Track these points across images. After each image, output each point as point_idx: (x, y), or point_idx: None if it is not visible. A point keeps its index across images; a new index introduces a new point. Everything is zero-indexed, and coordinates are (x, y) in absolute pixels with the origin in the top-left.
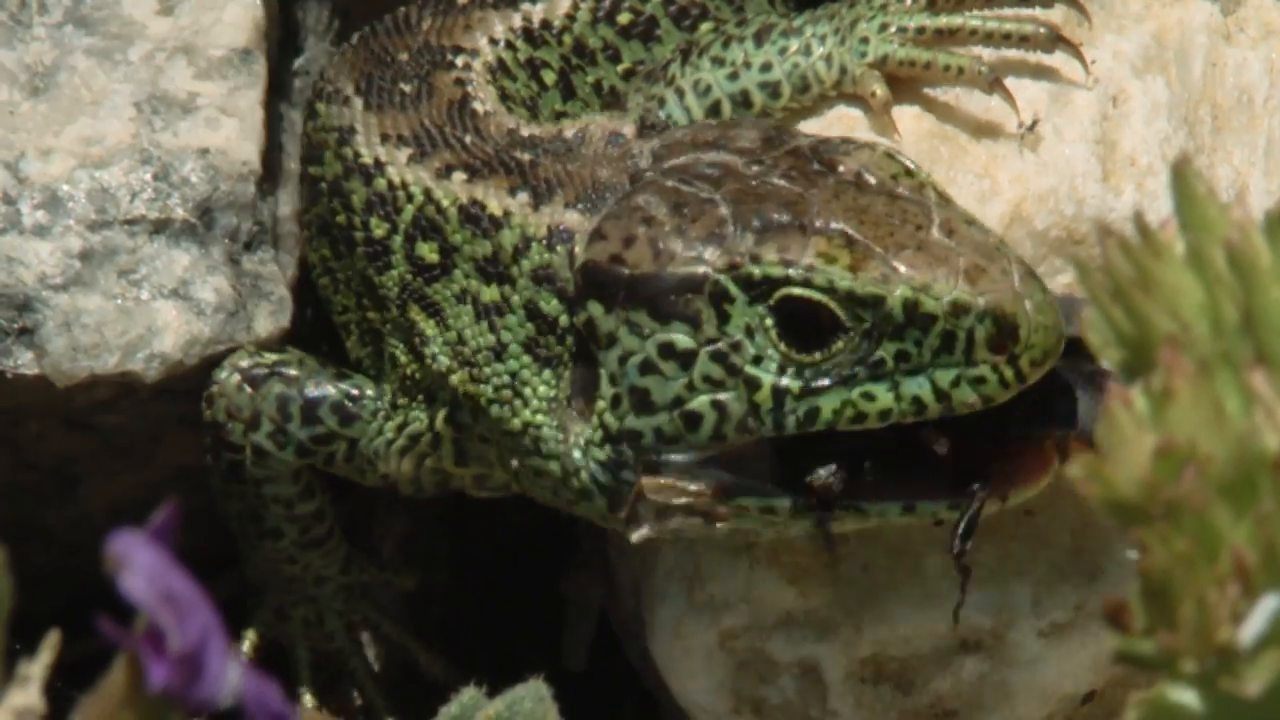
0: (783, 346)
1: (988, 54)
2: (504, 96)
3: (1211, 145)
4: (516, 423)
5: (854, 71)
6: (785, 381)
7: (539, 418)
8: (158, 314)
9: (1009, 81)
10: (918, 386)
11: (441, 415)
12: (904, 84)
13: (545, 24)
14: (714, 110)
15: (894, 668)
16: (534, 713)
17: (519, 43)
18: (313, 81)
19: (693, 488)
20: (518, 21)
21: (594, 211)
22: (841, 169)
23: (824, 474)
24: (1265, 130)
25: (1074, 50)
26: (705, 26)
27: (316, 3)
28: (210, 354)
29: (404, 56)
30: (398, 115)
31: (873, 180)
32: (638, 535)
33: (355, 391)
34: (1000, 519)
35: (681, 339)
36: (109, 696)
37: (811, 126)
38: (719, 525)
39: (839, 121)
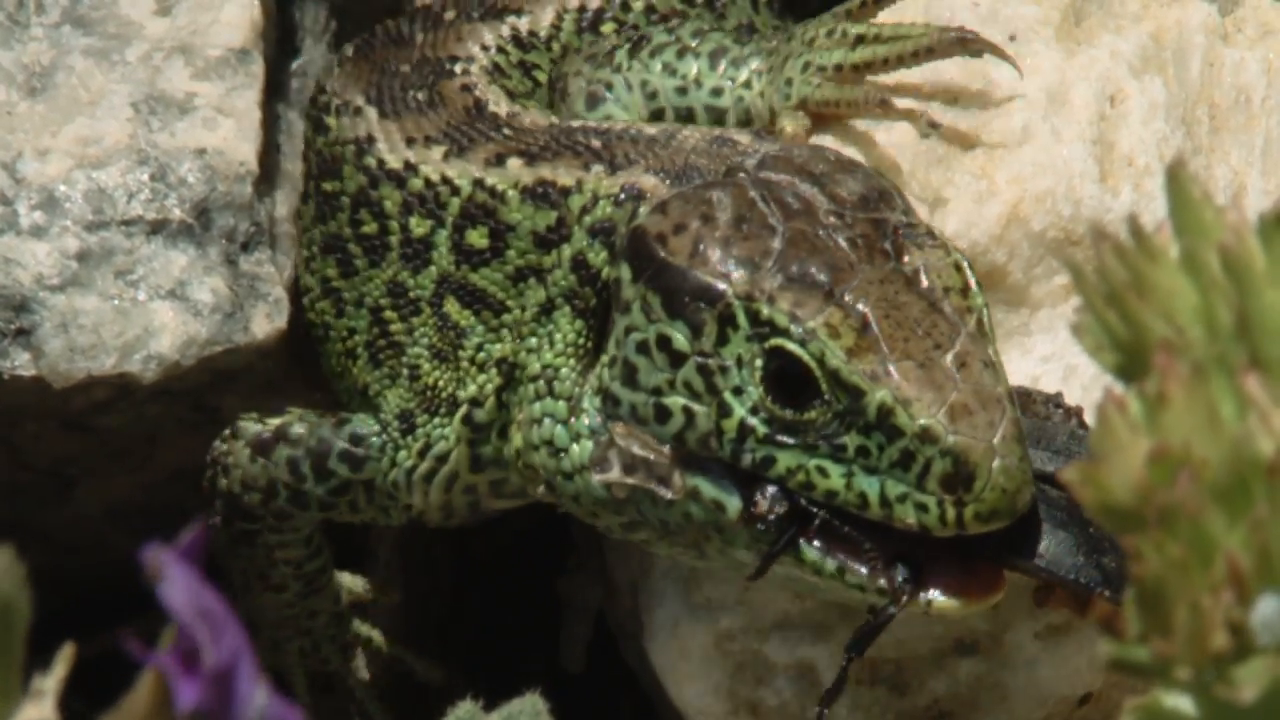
0: (762, 390)
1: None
2: (510, 95)
3: (1209, 145)
4: (537, 366)
5: (779, 111)
6: (754, 421)
7: (559, 360)
8: (155, 315)
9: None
10: (868, 484)
11: (460, 415)
12: None
13: (532, 33)
14: (658, 115)
15: (890, 669)
16: None
17: (509, 48)
18: (312, 96)
19: (661, 446)
20: (506, 31)
21: (675, 184)
22: (906, 259)
23: (769, 501)
24: (1263, 130)
25: (993, 48)
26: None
27: (314, 3)
28: (207, 355)
29: (406, 69)
30: (419, 119)
31: (925, 283)
32: (600, 477)
33: (359, 434)
34: None
35: (679, 339)
36: (131, 716)
37: None
38: (671, 497)
39: None
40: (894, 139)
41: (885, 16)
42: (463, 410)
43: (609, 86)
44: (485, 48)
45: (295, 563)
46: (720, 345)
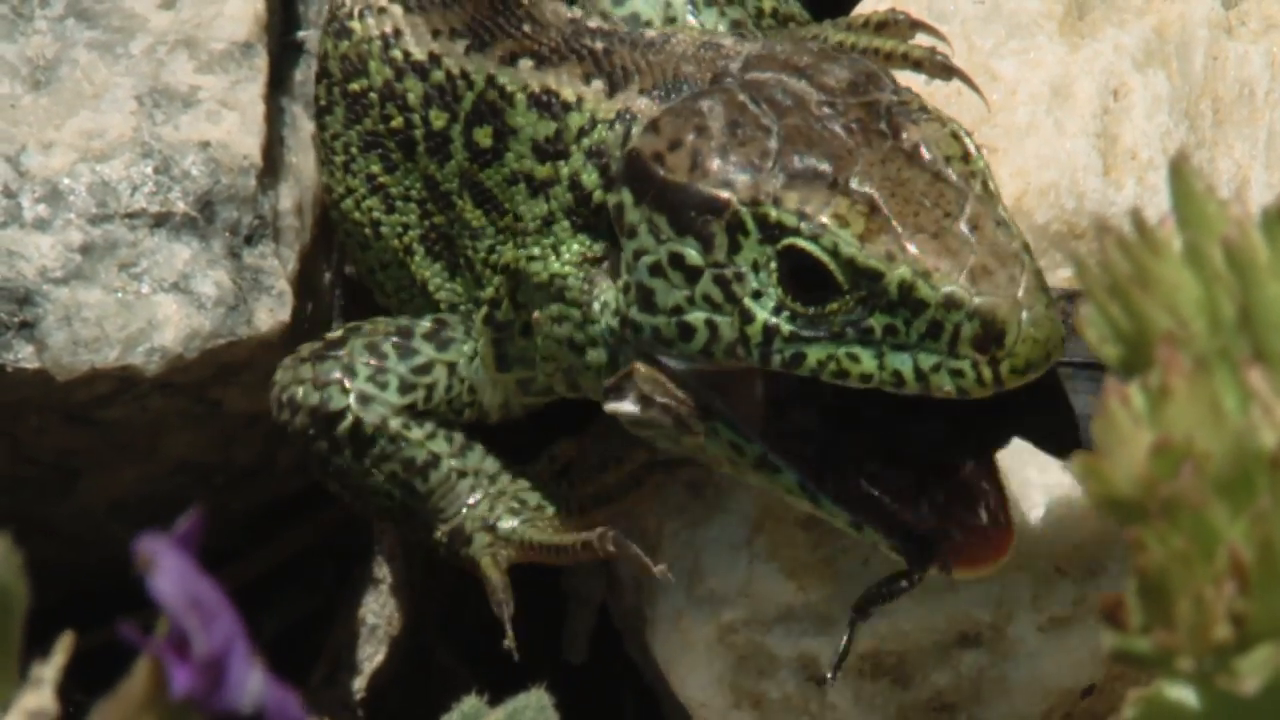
0: (781, 290)
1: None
2: None
3: (1213, 139)
4: (545, 275)
5: None
6: (777, 321)
7: (567, 269)
8: (158, 308)
9: None
10: (900, 362)
11: (482, 314)
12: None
13: None
14: (667, 15)
15: (892, 662)
16: None
17: None
18: (329, 15)
19: (679, 393)
20: None
21: (665, 101)
22: (904, 136)
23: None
24: (1266, 124)
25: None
26: None
27: None
28: (210, 347)
29: None
30: (444, 12)
31: (926, 155)
32: (612, 407)
33: (441, 319)
34: None
35: (692, 254)
36: (128, 701)
37: None
38: (688, 440)
39: None
40: None
41: (889, 3)
42: (484, 310)
43: None
44: None
45: (416, 422)
46: (733, 253)
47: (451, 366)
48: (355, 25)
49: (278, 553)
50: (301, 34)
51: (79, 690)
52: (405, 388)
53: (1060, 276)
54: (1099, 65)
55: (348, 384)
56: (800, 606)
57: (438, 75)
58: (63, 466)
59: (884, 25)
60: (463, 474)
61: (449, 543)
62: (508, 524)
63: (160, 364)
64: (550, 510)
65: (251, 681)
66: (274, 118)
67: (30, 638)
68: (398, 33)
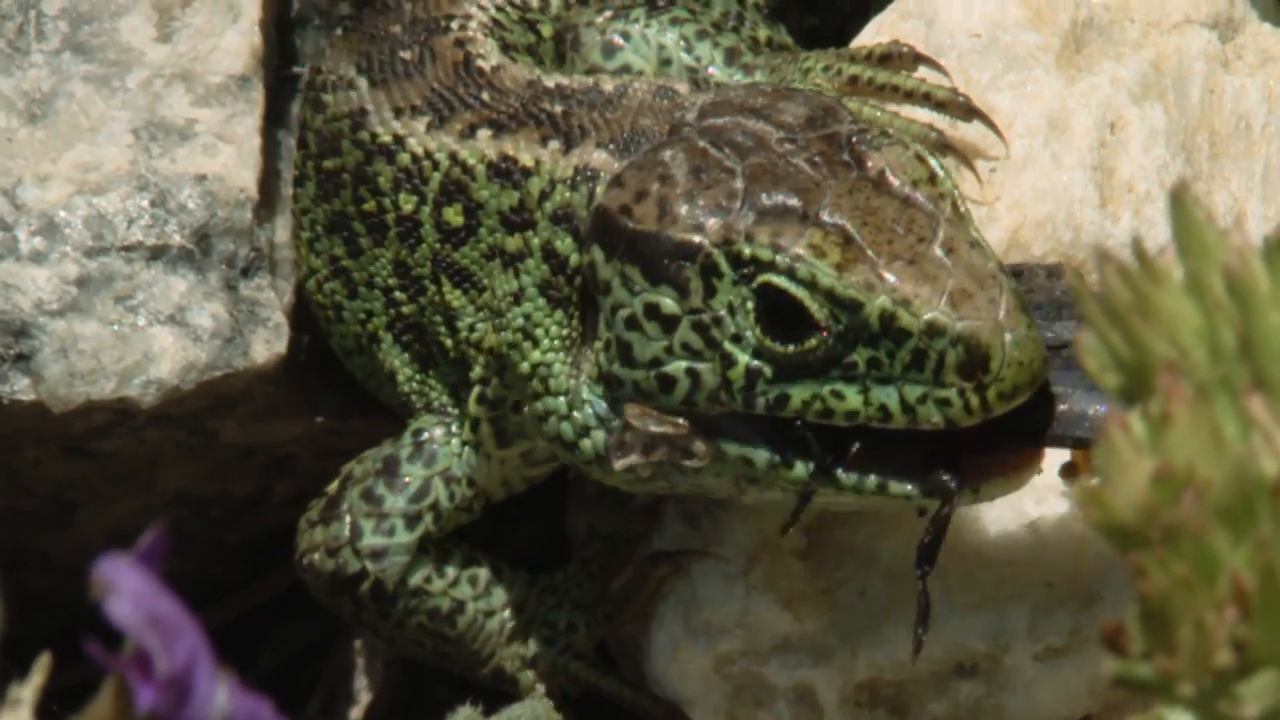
0: (759, 331)
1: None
2: (506, 47)
3: (1209, 172)
4: (526, 366)
5: None
6: (759, 364)
7: (549, 356)
8: (154, 340)
9: None
10: (886, 395)
11: (474, 395)
12: None
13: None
14: (661, 58)
15: (889, 692)
16: None
17: (508, 8)
18: (308, 80)
19: (676, 420)
20: None
21: (625, 155)
22: (869, 164)
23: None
24: (1263, 157)
25: (957, 153)
26: None
27: (314, 30)
28: (207, 380)
29: (397, 29)
30: (405, 85)
31: (894, 181)
32: (622, 463)
33: (418, 430)
34: (996, 543)
35: (668, 303)
36: None
37: None
38: (697, 465)
39: None
40: None
41: (889, 33)
42: (475, 390)
43: (626, 37)
44: (483, 7)
45: (437, 572)
46: (709, 298)
47: (446, 474)
48: (328, 99)
49: (275, 584)
50: (297, 69)
51: (67, 714)
52: (411, 521)
53: None
54: (1096, 98)
55: (358, 545)
56: (797, 637)
57: (403, 157)
58: (59, 498)
59: (887, 58)
60: (489, 613)
61: (494, 682)
62: (546, 658)
63: (156, 396)
64: (582, 629)
65: (218, 697)
66: (270, 151)
67: (27, 669)
68: (363, 111)
